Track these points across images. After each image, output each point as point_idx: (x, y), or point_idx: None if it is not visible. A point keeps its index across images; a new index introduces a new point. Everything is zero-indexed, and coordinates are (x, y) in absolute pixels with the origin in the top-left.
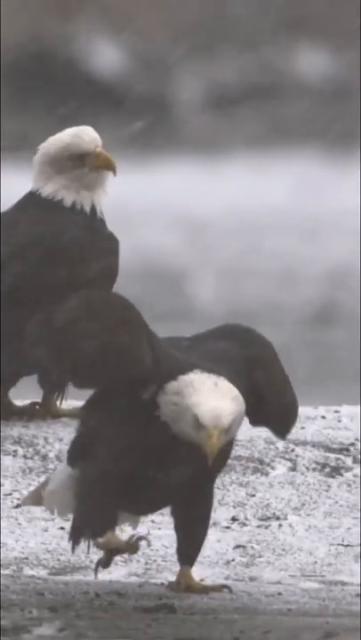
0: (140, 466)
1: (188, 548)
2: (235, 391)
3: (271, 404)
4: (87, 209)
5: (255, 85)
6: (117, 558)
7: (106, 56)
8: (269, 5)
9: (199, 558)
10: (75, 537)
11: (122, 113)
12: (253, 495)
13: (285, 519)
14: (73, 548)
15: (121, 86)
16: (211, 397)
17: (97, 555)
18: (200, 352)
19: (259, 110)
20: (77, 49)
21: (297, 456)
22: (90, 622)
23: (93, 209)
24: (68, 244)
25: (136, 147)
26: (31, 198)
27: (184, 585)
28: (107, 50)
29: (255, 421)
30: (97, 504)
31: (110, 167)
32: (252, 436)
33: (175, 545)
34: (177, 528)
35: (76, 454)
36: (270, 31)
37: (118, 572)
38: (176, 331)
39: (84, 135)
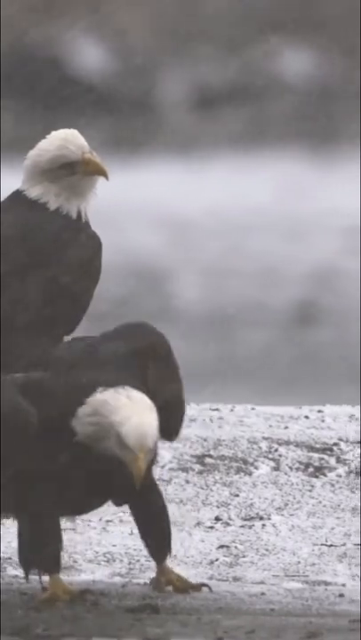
0: (74, 494)
1: (156, 544)
2: (147, 400)
3: (157, 403)
4: (73, 214)
5: (238, 86)
6: (100, 558)
7: (90, 56)
8: (253, 6)
9: (183, 558)
10: (24, 567)
11: (105, 113)
12: (237, 495)
13: (269, 519)
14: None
15: (105, 86)
16: (131, 413)
17: (79, 555)
18: (98, 356)
19: (242, 111)
20: (62, 49)
21: (280, 456)
22: (73, 622)
23: (79, 213)
24: (49, 244)
25: (119, 147)
26: (16, 197)
27: (165, 581)
28: (91, 50)
29: None
30: (39, 546)
31: (101, 172)
32: (236, 436)
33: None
34: (140, 531)
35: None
36: (253, 32)
37: (101, 571)
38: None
39: (70, 144)
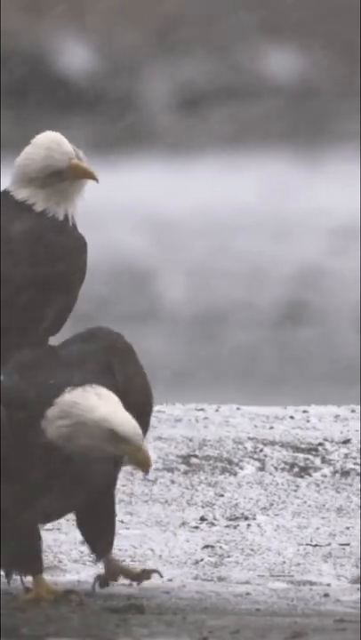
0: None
1: (105, 540)
2: (115, 396)
3: (127, 399)
4: (60, 217)
5: (224, 86)
6: (86, 559)
7: (75, 56)
8: (239, 6)
9: (168, 558)
10: (6, 572)
11: (90, 113)
12: (222, 495)
13: (254, 519)
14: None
15: (90, 86)
16: (111, 409)
17: (64, 555)
18: (62, 359)
19: (228, 110)
20: (47, 48)
21: (265, 456)
22: (59, 623)
23: (66, 216)
24: (34, 244)
25: (105, 146)
26: (3, 198)
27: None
28: (76, 50)
29: None
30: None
31: (89, 176)
32: (221, 436)
33: (141, 544)
34: (87, 528)
35: None
36: (239, 32)
37: (86, 572)
38: (145, 331)
39: (55, 153)
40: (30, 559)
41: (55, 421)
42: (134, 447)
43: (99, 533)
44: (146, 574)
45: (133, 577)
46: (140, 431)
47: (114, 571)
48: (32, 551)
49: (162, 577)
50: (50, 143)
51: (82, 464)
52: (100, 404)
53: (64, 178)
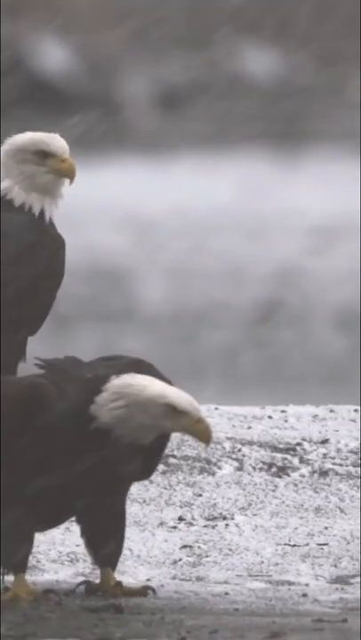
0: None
1: (115, 548)
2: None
3: None
4: (36, 211)
5: (202, 85)
6: (64, 558)
7: (54, 56)
8: (216, 5)
9: (146, 558)
10: None
11: (69, 112)
12: (200, 495)
13: (232, 519)
14: None
15: (68, 86)
16: (163, 386)
17: (42, 555)
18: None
19: (205, 110)
20: (26, 49)
21: (244, 456)
22: (37, 623)
23: (42, 212)
24: (13, 244)
25: (83, 146)
26: None
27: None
28: (54, 49)
29: None
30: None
31: (70, 175)
32: None
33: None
34: (94, 533)
35: None
36: (217, 31)
37: (65, 571)
38: (123, 330)
39: (56, 141)
40: (20, 558)
41: (108, 404)
42: (194, 418)
43: (104, 542)
44: (143, 590)
45: (132, 594)
46: (196, 404)
47: (110, 586)
48: (24, 551)
49: (155, 593)
50: (56, 135)
51: (119, 458)
52: (152, 382)
53: (44, 165)
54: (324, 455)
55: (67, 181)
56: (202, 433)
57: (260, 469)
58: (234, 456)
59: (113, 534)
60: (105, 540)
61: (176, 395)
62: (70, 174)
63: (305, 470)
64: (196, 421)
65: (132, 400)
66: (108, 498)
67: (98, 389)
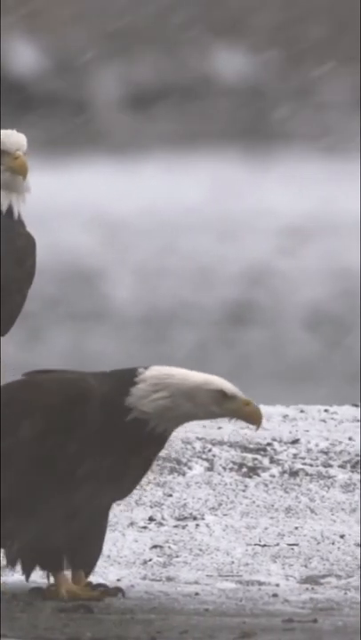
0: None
1: (97, 550)
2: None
3: None
4: (3, 209)
5: (172, 85)
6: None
7: (22, 55)
8: (186, 5)
9: (116, 558)
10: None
11: (38, 112)
12: (170, 495)
13: (202, 519)
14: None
15: (39, 86)
16: (200, 374)
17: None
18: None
19: (176, 110)
20: None
21: (214, 456)
22: (8, 623)
23: (10, 210)
24: None
25: (52, 146)
26: None
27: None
28: (23, 49)
29: None
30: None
31: (21, 172)
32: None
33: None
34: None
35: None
36: (187, 31)
37: (35, 572)
38: (93, 330)
39: (12, 137)
40: (56, 555)
41: (149, 396)
42: (242, 401)
43: (88, 544)
44: (104, 594)
45: (93, 598)
46: (238, 389)
47: (69, 589)
48: (57, 547)
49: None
50: (12, 132)
51: (155, 446)
52: (188, 371)
53: (3, 163)
54: (295, 455)
55: (29, 177)
56: (251, 415)
57: (231, 469)
58: (204, 456)
59: (99, 537)
60: (89, 543)
61: (220, 380)
62: (21, 171)
63: (275, 470)
64: (246, 404)
65: (175, 389)
66: (112, 498)
67: (131, 382)
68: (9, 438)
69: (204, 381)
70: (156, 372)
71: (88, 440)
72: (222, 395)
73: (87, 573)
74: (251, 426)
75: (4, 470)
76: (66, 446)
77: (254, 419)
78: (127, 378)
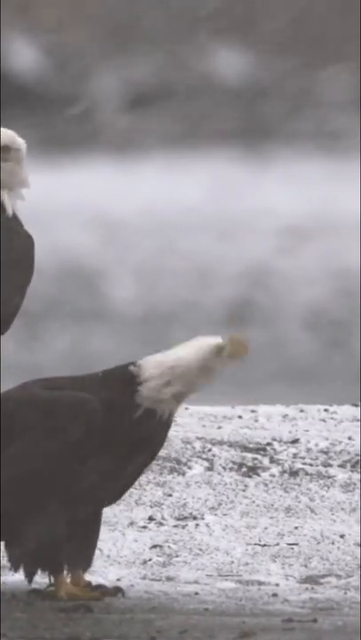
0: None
1: (92, 550)
2: None
3: None
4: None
5: (171, 85)
6: None
7: (22, 55)
8: (185, 4)
9: (116, 558)
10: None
11: (39, 112)
12: (170, 495)
13: (202, 519)
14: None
15: (38, 85)
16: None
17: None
18: None
19: (175, 110)
20: None
21: (214, 456)
22: (8, 623)
23: (7, 208)
24: None
25: (52, 146)
26: None
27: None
28: (22, 48)
29: None
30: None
31: None
32: (169, 436)
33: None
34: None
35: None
36: (186, 30)
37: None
38: (93, 330)
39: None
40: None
41: (163, 389)
42: (228, 339)
43: (82, 543)
44: (104, 594)
45: (93, 598)
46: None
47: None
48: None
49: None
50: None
51: (160, 433)
52: (177, 350)
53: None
54: (295, 455)
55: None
56: (237, 342)
57: (231, 469)
58: (204, 456)
59: (95, 534)
60: (85, 541)
61: (205, 342)
62: None
63: (275, 470)
64: (236, 338)
65: (182, 375)
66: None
67: (134, 381)
68: (12, 450)
69: (202, 350)
70: (153, 363)
71: (92, 451)
72: (220, 348)
73: (84, 571)
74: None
75: (7, 480)
76: (70, 464)
77: (243, 347)
78: (127, 378)
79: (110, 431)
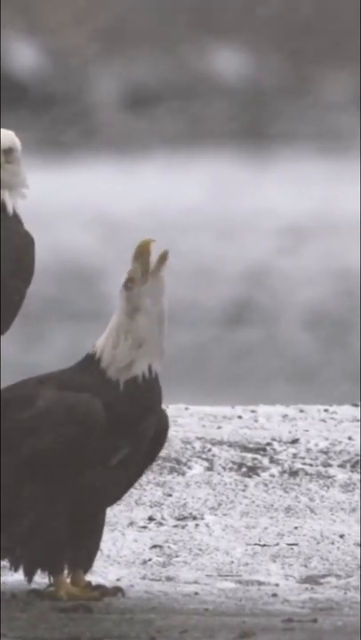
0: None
1: (94, 550)
2: None
3: None
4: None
5: (172, 85)
6: None
7: (23, 56)
8: (186, 5)
9: (116, 558)
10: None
11: (39, 112)
12: (170, 495)
13: (202, 519)
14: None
15: (39, 85)
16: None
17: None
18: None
19: (175, 110)
20: None
21: (214, 456)
22: (8, 623)
23: (7, 207)
24: None
25: (52, 146)
26: None
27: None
28: (22, 48)
29: None
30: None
31: None
32: (169, 436)
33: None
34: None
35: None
36: (186, 31)
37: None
38: (92, 330)
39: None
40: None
41: (116, 352)
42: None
43: (85, 543)
44: (104, 594)
45: (93, 599)
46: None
47: (68, 590)
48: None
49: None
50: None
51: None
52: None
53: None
54: (294, 455)
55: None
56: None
57: (230, 469)
58: (204, 456)
59: (98, 534)
60: (88, 541)
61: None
62: None
63: (275, 470)
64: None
65: (131, 334)
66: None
67: (98, 364)
68: (12, 454)
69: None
70: (99, 341)
71: (93, 450)
72: (131, 280)
73: (86, 571)
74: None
75: (7, 482)
76: (72, 464)
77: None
78: (92, 362)
79: (110, 425)
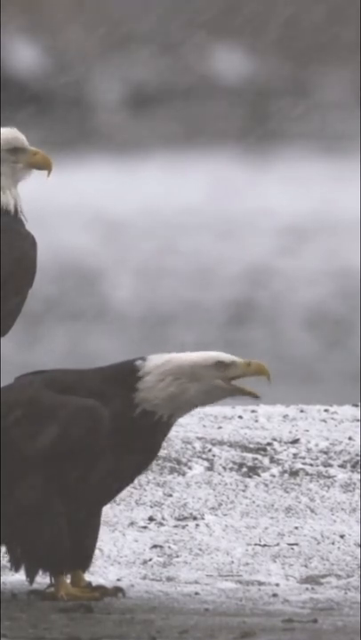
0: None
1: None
2: None
3: None
4: (11, 209)
5: (172, 85)
6: None
7: (24, 56)
8: (186, 5)
9: (116, 558)
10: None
11: (39, 112)
12: (170, 495)
13: (202, 519)
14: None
15: (39, 85)
16: (190, 354)
17: None
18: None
19: (175, 110)
20: None
21: (214, 456)
22: (8, 623)
23: (9, 208)
24: None
25: (52, 146)
26: None
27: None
28: (23, 48)
29: None
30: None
31: (46, 166)
32: (169, 436)
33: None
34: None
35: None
36: (187, 31)
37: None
38: (93, 330)
39: (18, 132)
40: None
41: (157, 385)
42: (243, 363)
43: (82, 542)
44: (104, 594)
45: (93, 599)
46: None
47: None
48: (62, 549)
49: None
50: (9, 128)
51: (158, 435)
52: (185, 354)
53: (18, 160)
54: (295, 455)
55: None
56: (258, 371)
57: (231, 469)
58: (204, 456)
59: (94, 535)
60: (86, 540)
61: (215, 353)
62: (47, 166)
63: (275, 470)
64: (248, 364)
65: (178, 373)
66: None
67: (135, 377)
68: (15, 454)
69: (202, 358)
70: (155, 361)
71: (99, 453)
72: (222, 364)
73: (84, 570)
74: (265, 378)
75: (9, 483)
76: (75, 467)
77: (263, 371)
78: (129, 373)
79: (112, 430)
